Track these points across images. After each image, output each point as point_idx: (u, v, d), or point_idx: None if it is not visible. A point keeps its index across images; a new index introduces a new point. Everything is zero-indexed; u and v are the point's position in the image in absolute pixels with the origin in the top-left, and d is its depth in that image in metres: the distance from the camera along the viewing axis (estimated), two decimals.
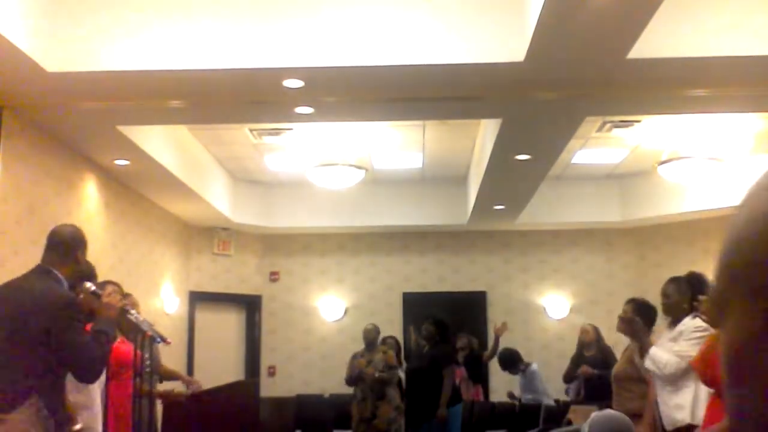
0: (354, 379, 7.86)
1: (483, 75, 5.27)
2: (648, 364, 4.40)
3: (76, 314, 3.31)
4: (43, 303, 3.24)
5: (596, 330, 7.51)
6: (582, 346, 7.50)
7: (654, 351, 4.36)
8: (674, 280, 4.58)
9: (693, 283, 4.40)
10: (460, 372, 8.44)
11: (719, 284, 0.60)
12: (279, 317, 11.07)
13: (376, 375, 7.65)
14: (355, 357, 8.06)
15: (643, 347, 4.54)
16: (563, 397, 8.40)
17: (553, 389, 8.86)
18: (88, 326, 3.86)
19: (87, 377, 3.42)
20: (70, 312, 3.27)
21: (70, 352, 3.25)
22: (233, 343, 11.00)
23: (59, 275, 3.35)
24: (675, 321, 4.50)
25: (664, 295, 4.56)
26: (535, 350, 10.16)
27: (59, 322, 3.21)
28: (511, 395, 9.17)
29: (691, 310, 4.35)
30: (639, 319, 4.70)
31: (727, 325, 0.60)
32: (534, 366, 8.91)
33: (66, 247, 3.41)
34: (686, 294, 4.42)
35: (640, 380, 4.85)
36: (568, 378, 7.52)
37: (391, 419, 7.61)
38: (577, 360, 7.42)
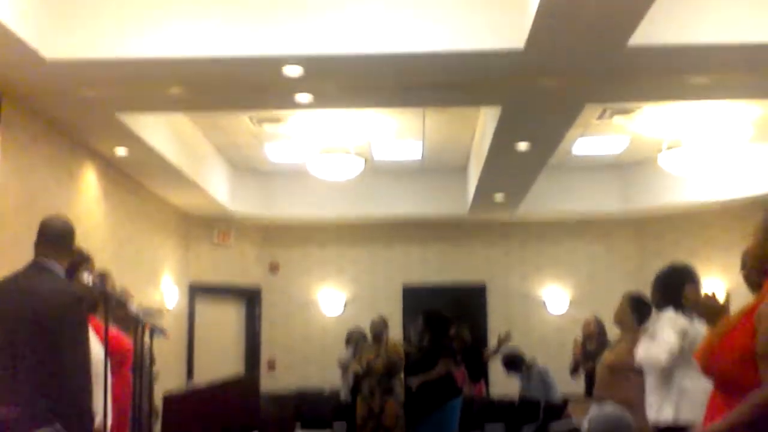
0: (363, 376, 7.53)
1: (483, 62, 5.26)
2: (645, 364, 4.37)
3: (84, 316, 3.16)
4: (54, 304, 3.07)
5: (598, 323, 7.33)
6: (586, 338, 7.40)
7: (642, 354, 4.30)
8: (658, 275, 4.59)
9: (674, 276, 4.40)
10: (462, 374, 8.19)
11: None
12: (278, 309, 11.05)
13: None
14: (361, 347, 7.90)
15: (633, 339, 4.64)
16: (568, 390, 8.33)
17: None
18: (92, 318, 3.84)
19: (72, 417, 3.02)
20: (81, 314, 3.13)
21: (68, 369, 3.02)
22: (233, 336, 11.00)
23: (59, 269, 3.24)
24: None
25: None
26: (534, 342, 10.15)
27: (70, 328, 3.05)
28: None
29: (665, 303, 4.34)
30: (629, 310, 4.86)
31: None
32: (539, 366, 8.69)
33: (63, 239, 3.31)
34: (661, 287, 4.42)
35: (638, 371, 4.85)
36: (574, 369, 7.43)
37: (398, 416, 7.38)
38: (581, 352, 7.33)
